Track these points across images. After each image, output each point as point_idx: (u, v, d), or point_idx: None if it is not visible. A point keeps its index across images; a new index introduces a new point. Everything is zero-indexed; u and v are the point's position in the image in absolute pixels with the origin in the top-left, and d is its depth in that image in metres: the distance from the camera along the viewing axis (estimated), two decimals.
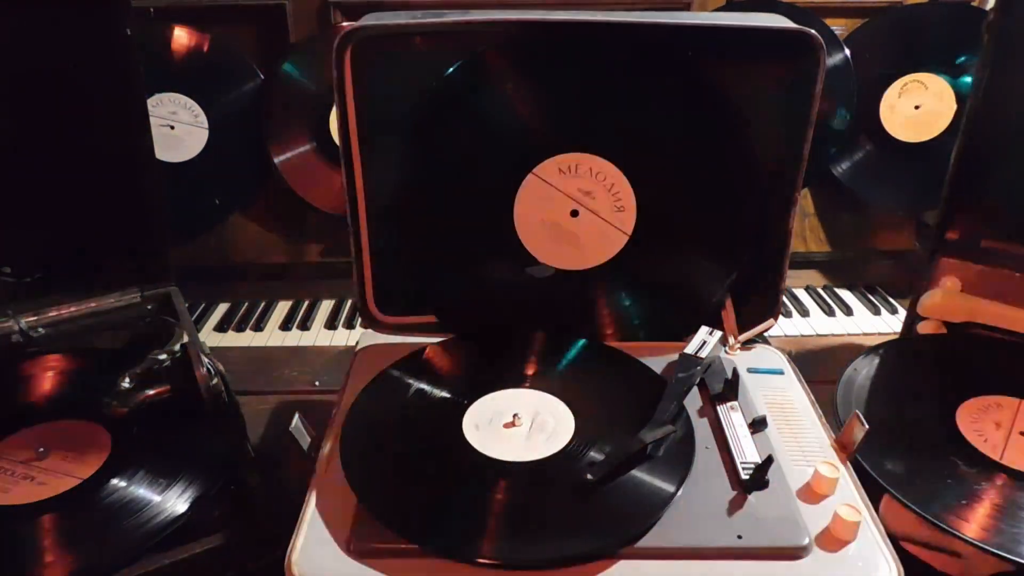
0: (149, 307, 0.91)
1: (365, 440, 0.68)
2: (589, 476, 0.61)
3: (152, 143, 0.87)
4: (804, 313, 1.15)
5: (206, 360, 0.72)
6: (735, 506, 0.61)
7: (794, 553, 0.57)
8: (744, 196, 0.84)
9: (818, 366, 0.99)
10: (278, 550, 0.62)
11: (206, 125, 1.13)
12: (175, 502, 0.62)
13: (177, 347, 0.75)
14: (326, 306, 1.18)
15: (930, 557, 0.62)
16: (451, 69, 0.80)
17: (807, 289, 1.22)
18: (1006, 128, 0.85)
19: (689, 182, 0.84)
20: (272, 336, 1.10)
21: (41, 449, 0.68)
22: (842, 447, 0.68)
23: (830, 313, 1.15)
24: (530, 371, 0.77)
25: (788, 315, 1.14)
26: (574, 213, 0.84)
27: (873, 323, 1.13)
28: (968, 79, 1.12)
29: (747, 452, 0.66)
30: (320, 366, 1.01)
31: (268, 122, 1.13)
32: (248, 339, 1.10)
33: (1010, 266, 0.87)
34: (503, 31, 0.79)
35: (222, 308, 1.18)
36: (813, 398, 0.77)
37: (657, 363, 0.79)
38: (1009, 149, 0.86)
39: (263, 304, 1.18)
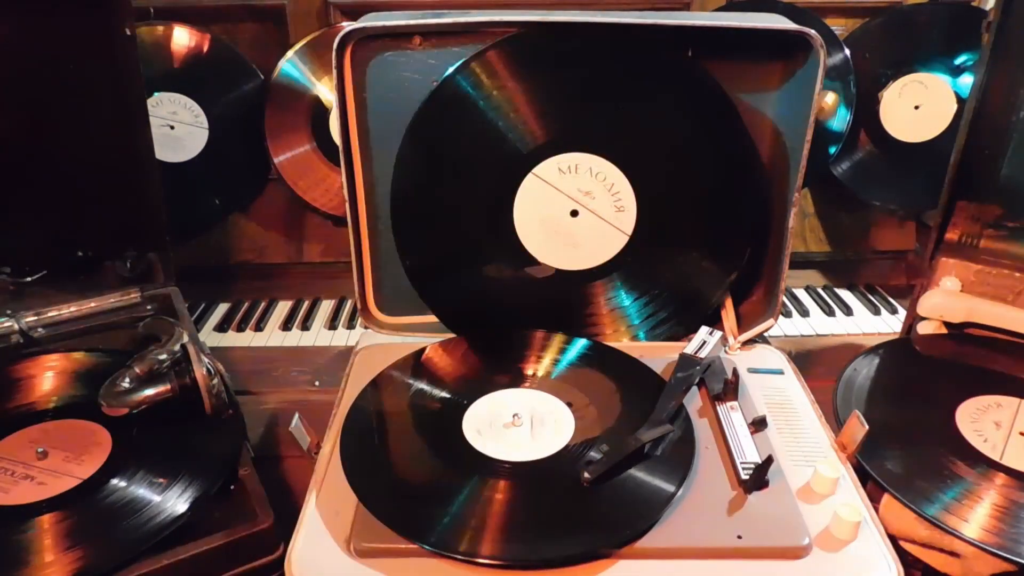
0: (149, 307, 0.91)
1: (365, 440, 0.68)
2: (586, 475, 0.61)
3: (152, 143, 0.87)
4: (804, 313, 1.15)
5: (206, 360, 0.72)
6: (735, 506, 0.61)
7: (794, 553, 0.57)
8: (744, 196, 0.84)
9: (818, 366, 0.99)
10: (278, 550, 0.62)
11: (206, 125, 1.13)
12: (175, 502, 0.62)
13: (177, 347, 0.75)
14: (326, 306, 1.18)
15: (930, 557, 0.62)
16: (451, 69, 0.80)
17: (807, 289, 1.22)
18: (1006, 128, 0.85)
19: (689, 182, 0.84)
20: (272, 336, 1.10)
21: (41, 449, 0.68)
22: (842, 447, 0.69)
23: (830, 313, 1.15)
24: (530, 371, 0.77)
25: (788, 315, 1.14)
26: (574, 213, 0.84)
27: (873, 323, 1.13)
28: (968, 79, 1.12)
29: (747, 452, 0.66)
30: (320, 366, 1.01)
31: (268, 122, 1.13)
32: (248, 339, 1.10)
33: (1010, 266, 0.87)
34: (503, 31, 0.79)
35: (222, 308, 1.17)
36: (813, 398, 0.77)
37: (657, 363, 0.79)
38: (1009, 149, 0.86)
39: (263, 304, 1.18)
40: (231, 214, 1.18)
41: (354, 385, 0.76)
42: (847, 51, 1.12)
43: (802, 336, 1.10)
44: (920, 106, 1.14)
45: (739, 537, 0.58)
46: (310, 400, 0.93)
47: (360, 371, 0.79)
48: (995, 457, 0.68)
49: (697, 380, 0.75)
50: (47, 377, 0.79)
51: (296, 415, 0.66)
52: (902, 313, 1.14)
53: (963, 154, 0.86)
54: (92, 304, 0.89)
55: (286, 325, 1.13)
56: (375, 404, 0.73)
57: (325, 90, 1.13)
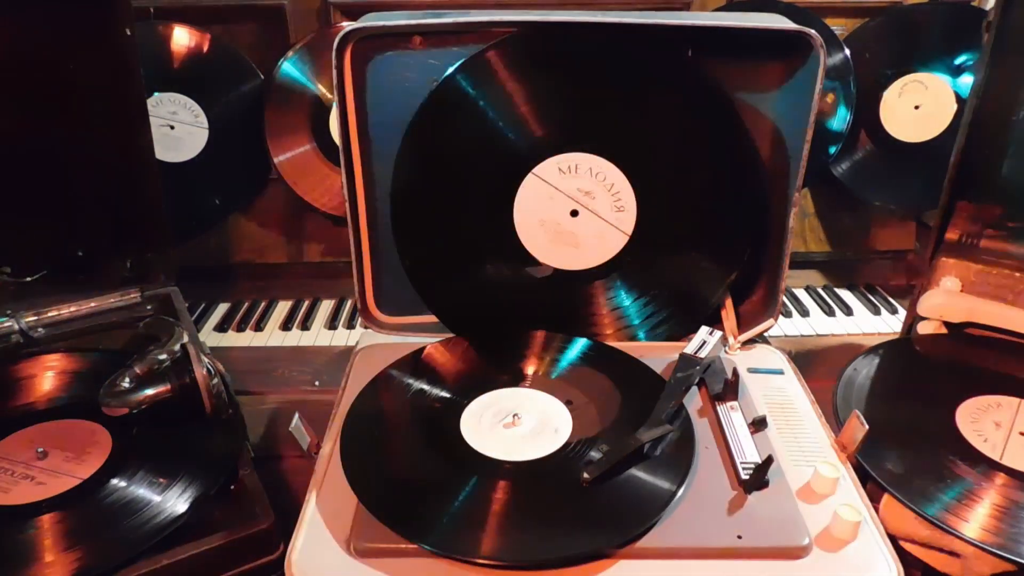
0: (149, 307, 0.91)
1: (365, 440, 0.68)
2: (585, 475, 0.61)
3: (152, 143, 0.87)
4: (804, 313, 1.15)
5: (206, 360, 0.72)
6: (735, 506, 0.61)
7: (794, 553, 0.57)
8: (744, 196, 0.84)
9: (818, 366, 0.99)
10: (278, 550, 0.62)
11: (206, 125, 1.13)
12: (175, 502, 0.62)
13: (177, 347, 0.75)
14: (326, 306, 1.18)
15: (930, 557, 0.62)
16: (451, 69, 0.80)
17: (807, 289, 1.22)
18: (1006, 128, 0.85)
19: (689, 182, 0.84)
20: (272, 336, 1.10)
21: (41, 449, 0.68)
22: (842, 447, 0.68)
23: (830, 313, 1.15)
24: (529, 371, 0.77)
25: (788, 315, 1.14)
26: (574, 213, 0.84)
27: (873, 323, 1.13)
28: (968, 79, 1.12)
29: (747, 452, 0.66)
30: (320, 366, 1.01)
31: (268, 122, 1.13)
32: (248, 339, 1.10)
33: (1010, 266, 0.87)
34: (503, 31, 0.79)
35: (222, 308, 1.17)
36: (813, 398, 0.77)
37: (657, 363, 0.79)
38: (1009, 149, 0.86)
39: (263, 304, 1.18)
40: (231, 214, 1.18)
41: (354, 385, 0.76)
42: (847, 51, 1.12)
43: (802, 336, 1.10)
44: (920, 106, 1.14)
45: (739, 537, 0.58)
46: (310, 400, 0.93)
47: (360, 371, 0.79)
48: (995, 457, 0.68)
49: (697, 380, 0.75)
50: (47, 377, 0.79)
51: (296, 415, 0.66)
52: (902, 313, 1.14)
53: (963, 154, 0.86)
54: (92, 304, 0.88)
55: (286, 325, 1.13)
56: (375, 404, 0.73)
57: (325, 90, 1.13)
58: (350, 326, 1.12)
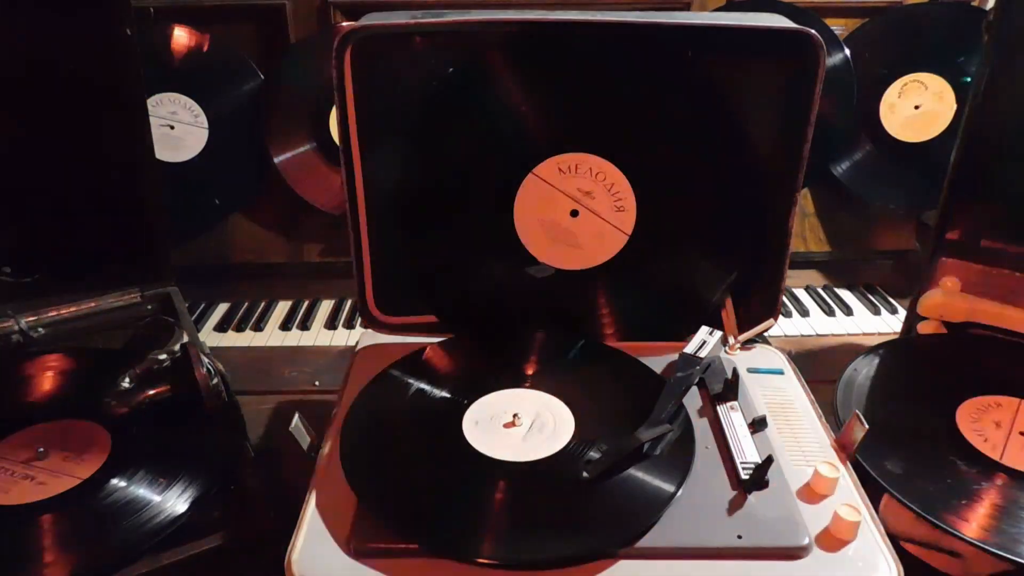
0: (149, 307, 0.91)
1: (365, 440, 0.68)
2: (585, 474, 0.61)
3: (152, 143, 0.87)
4: (804, 313, 1.15)
5: (206, 360, 0.72)
6: (735, 506, 0.61)
7: (794, 553, 0.57)
8: (744, 196, 0.84)
9: (818, 366, 0.99)
10: (278, 550, 0.62)
11: (206, 125, 1.13)
12: (175, 502, 0.62)
13: (177, 347, 0.75)
14: (326, 306, 1.18)
15: (930, 557, 0.62)
16: (451, 69, 0.80)
17: (807, 289, 1.22)
18: (1006, 128, 0.85)
19: (689, 182, 0.84)
20: (272, 336, 1.10)
21: (41, 449, 0.68)
22: (842, 447, 0.68)
23: (830, 313, 1.15)
24: (530, 371, 0.77)
25: (788, 315, 1.14)
26: (574, 213, 0.84)
27: (873, 323, 1.13)
28: (968, 79, 1.12)
29: (747, 452, 0.66)
30: (320, 366, 1.01)
31: (268, 122, 1.13)
32: (248, 339, 1.10)
33: (1010, 266, 0.87)
34: (503, 31, 0.79)
35: (222, 308, 1.18)
36: (813, 398, 0.77)
37: (657, 363, 0.79)
38: (1009, 149, 0.86)
39: (263, 304, 1.18)
40: (231, 214, 1.18)
41: (354, 385, 0.76)
42: (847, 51, 1.12)
43: (802, 336, 1.10)
44: (920, 106, 1.14)
45: (739, 537, 0.58)
46: (310, 400, 0.93)
47: (360, 371, 0.79)
48: (995, 457, 0.68)
49: (697, 380, 0.75)
50: (47, 377, 0.79)
51: (296, 415, 0.66)
52: (902, 313, 1.14)
53: (963, 154, 0.86)
54: (92, 304, 0.89)
55: (286, 325, 1.13)
56: (375, 404, 0.73)
57: (325, 90, 1.13)
58: (350, 326, 1.12)
